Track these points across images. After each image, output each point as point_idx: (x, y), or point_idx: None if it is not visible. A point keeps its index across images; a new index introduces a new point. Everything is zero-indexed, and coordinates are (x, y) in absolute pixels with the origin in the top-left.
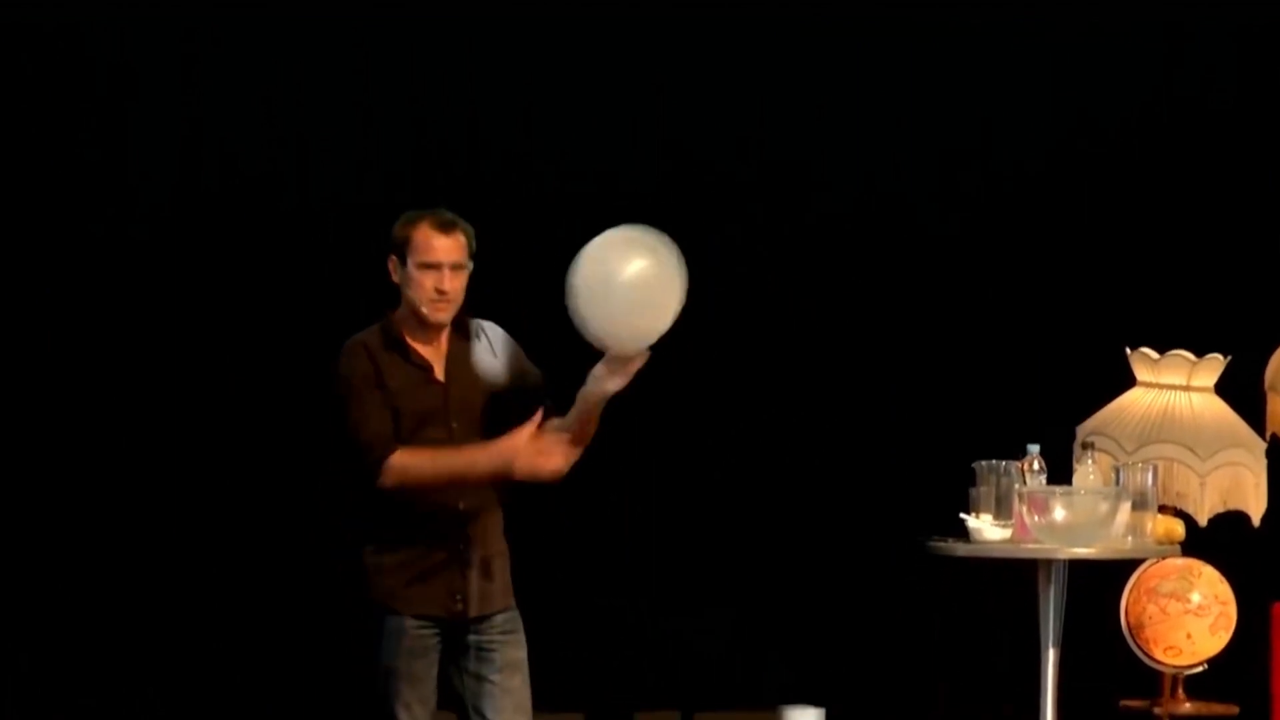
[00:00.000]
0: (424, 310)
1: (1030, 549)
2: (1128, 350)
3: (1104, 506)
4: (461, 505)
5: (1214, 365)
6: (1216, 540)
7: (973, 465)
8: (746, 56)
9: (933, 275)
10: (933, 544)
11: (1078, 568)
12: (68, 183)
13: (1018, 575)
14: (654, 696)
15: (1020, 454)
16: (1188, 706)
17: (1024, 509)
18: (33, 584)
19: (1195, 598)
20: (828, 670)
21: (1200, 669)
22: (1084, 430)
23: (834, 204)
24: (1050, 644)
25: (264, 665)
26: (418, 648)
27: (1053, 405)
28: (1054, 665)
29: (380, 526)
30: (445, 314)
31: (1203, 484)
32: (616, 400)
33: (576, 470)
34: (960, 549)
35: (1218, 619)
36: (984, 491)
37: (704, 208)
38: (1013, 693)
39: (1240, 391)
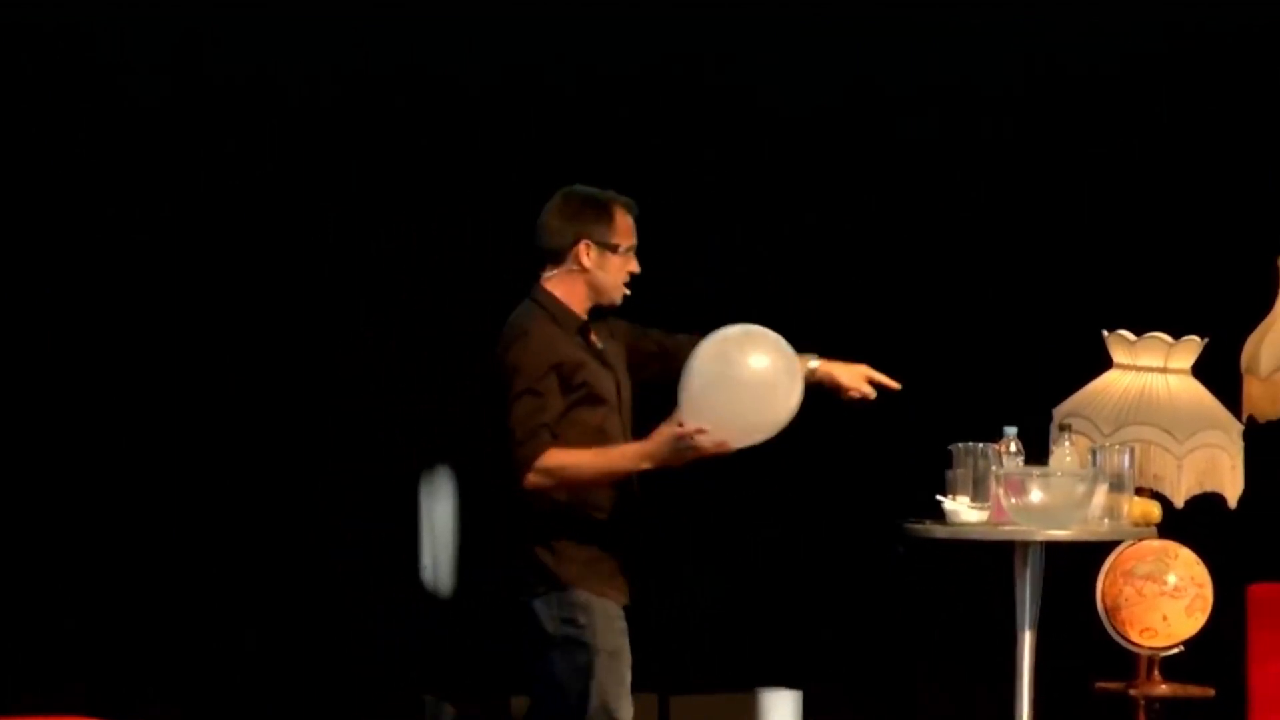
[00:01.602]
0: (615, 295)
1: (1007, 531)
2: (1104, 332)
3: (1080, 488)
4: (637, 492)
5: (1191, 347)
6: (1193, 522)
7: (949, 448)
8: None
9: (910, 258)
10: (910, 526)
11: (1054, 550)
12: (67, 183)
13: (994, 557)
14: (631, 680)
15: (997, 436)
16: (1163, 688)
17: (1001, 491)
18: (39, 584)
19: (1171, 579)
20: (805, 652)
21: (1176, 651)
22: (1061, 412)
23: (811, 184)
24: (1026, 626)
25: (268, 662)
26: (625, 629)
27: (1029, 387)
28: (1030, 647)
29: (576, 513)
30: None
31: (1179, 466)
32: None
33: None
34: (937, 531)
35: (1194, 601)
36: (961, 474)
37: (663, 177)
38: (989, 674)
39: (1217, 373)
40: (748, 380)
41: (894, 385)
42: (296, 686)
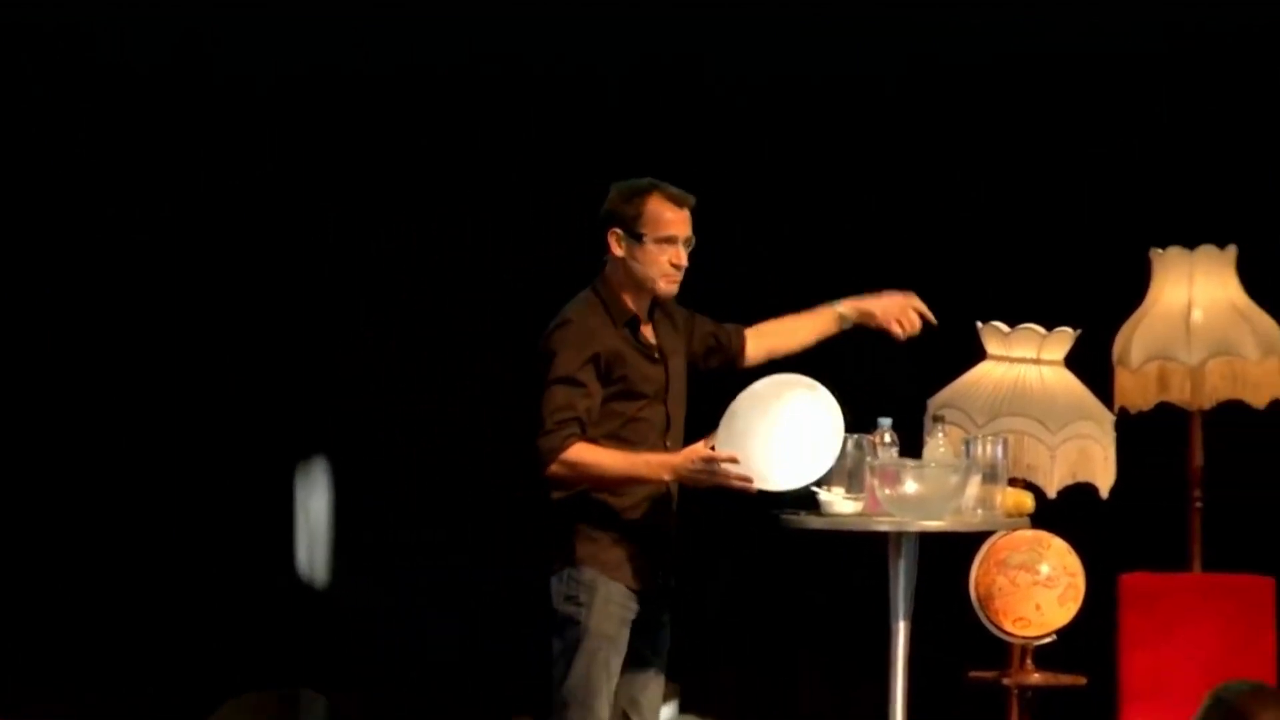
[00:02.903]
0: (659, 285)
1: (881, 522)
2: (978, 324)
3: (954, 479)
4: (669, 478)
5: (1064, 339)
6: (1066, 512)
7: None
8: None
9: (782, 247)
10: (786, 517)
11: (928, 540)
12: (66, 183)
13: (869, 548)
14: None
15: (872, 427)
16: (1036, 677)
17: (875, 482)
18: (42, 583)
19: (1044, 569)
20: (682, 644)
21: (1049, 640)
22: (935, 403)
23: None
24: (900, 616)
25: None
26: (626, 616)
27: (904, 379)
28: (904, 637)
29: (606, 497)
30: (676, 288)
31: (1052, 457)
32: None
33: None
34: (813, 522)
35: (1066, 590)
36: (836, 465)
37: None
38: (865, 664)
39: (1089, 365)
40: (797, 439)
41: (931, 319)
42: (165, 679)
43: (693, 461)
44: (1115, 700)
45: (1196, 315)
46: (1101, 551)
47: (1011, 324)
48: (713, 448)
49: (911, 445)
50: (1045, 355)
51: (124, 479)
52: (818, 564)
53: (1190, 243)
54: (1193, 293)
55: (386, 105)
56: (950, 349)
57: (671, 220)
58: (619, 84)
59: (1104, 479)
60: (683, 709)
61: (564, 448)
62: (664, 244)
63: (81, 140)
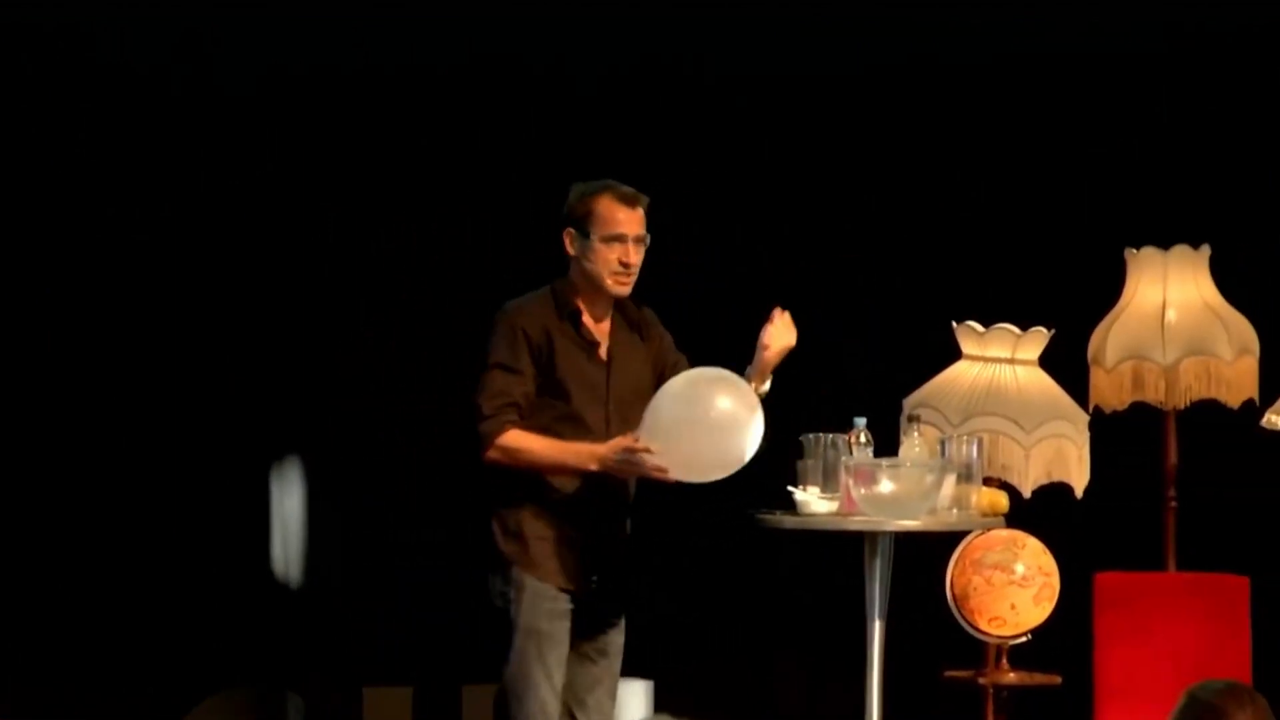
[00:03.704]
0: (608, 283)
1: (857, 521)
2: (954, 323)
3: (929, 479)
4: (610, 482)
5: (1038, 338)
6: (1040, 512)
7: (800, 438)
8: None
9: (757, 246)
10: (761, 516)
11: (904, 540)
12: (66, 182)
13: (845, 547)
14: (479, 673)
15: (847, 427)
16: (1011, 676)
17: (850, 481)
18: (23, 581)
19: (1019, 569)
20: (656, 642)
21: (1024, 639)
22: (910, 403)
23: (670, 177)
24: (876, 615)
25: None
26: (558, 610)
27: (879, 378)
28: (880, 636)
29: (537, 494)
30: (627, 287)
31: (1027, 456)
32: None
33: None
34: (788, 521)
35: (1041, 590)
36: (811, 464)
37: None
38: (840, 663)
39: (1064, 365)
40: (706, 423)
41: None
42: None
43: (615, 450)
44: (1090, 699)
45: (1171, 315)
46: (1076, 551)
47: (986, 324)
48: (635, 439)
49: (887, 445)
50: (1020, 355)
51: (115, 478)
52: (794, 563)
53: (1164, 243)
54: (1167, 293)
55: (386, 105)
56: (925, 348)
57: (620, 219)
58: (620, 83)
59: (1079, 478)
60: (657, 708)
61: (500, 432)
62: (612, 242)
63: (80, 140)
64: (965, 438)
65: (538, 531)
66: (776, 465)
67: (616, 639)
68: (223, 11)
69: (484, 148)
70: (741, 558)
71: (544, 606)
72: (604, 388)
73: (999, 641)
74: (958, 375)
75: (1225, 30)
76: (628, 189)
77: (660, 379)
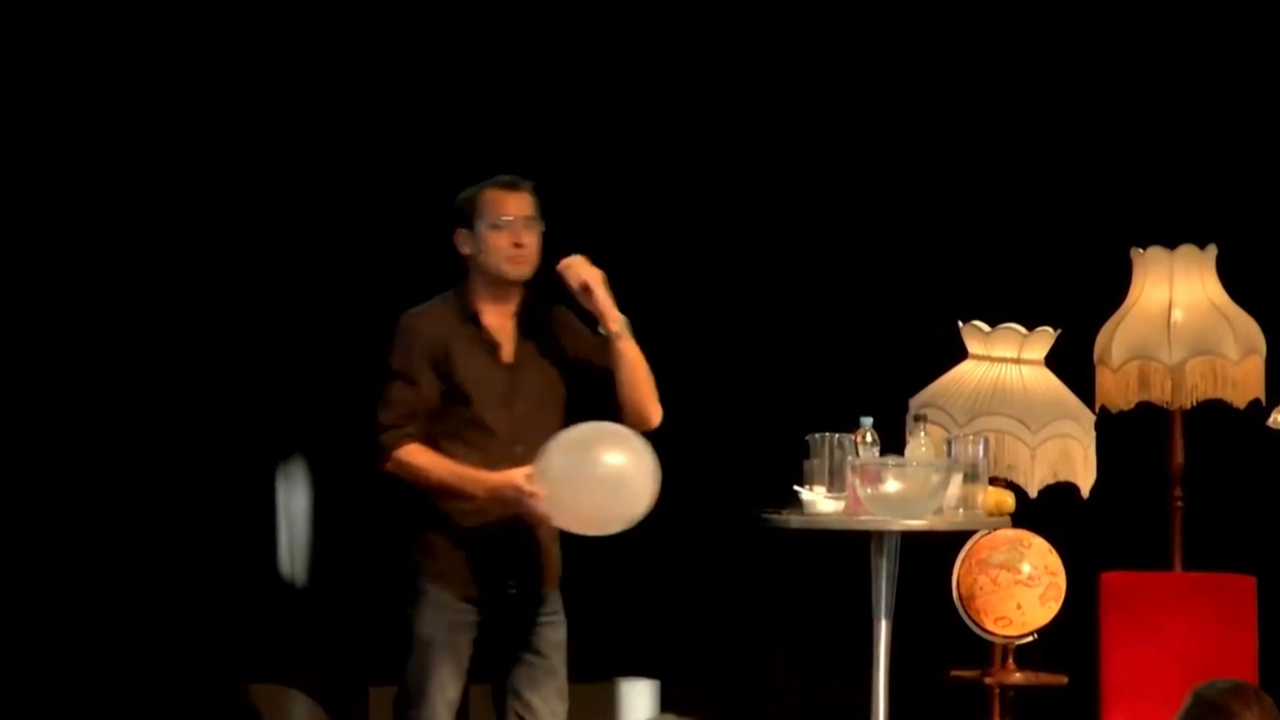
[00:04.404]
0: (504, 267)
1: (863, 521)
2: (960, 323)
3: (935, 478)
4: (483, 495)
5: (1044, 338)
6: (1046, 512)
7: (806, 437)
8: None
9: (763, 247)
10: (767, 516)
11: (910, 539)
12: (63, 182)
13: (851, 547)
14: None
15: (853, 426)
16: (1017, 676)
17: (856, 481)
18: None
19: (1025, 568)
20: (663, 642)
21: (1030, 639)
22: (916, 403)
23: (665, 167)
24: (882, 615)
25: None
26: (461, 622)
27: (885, 378)
28: (886, 636)
29: (446, 504)
30: (525, 269)
31: (1033, 456)
32: None
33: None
34: (794, 521)
35: (1047, 589)
36: (817, 464)
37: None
38: (845, 663)
39: (1070, 364)
40: (595, 480)
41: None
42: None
43: (506, 486)
44: (1096, 699)
45: (1177, 315)
46: (1082, 550)
47: (992, 324)
48: (528, 477)
49: (893, 444)
50: (1026, 355)
51: (120, 478)
52: (799, 563)
53: (1170, 242)
54: (1173, 292)
55: (386, 104)
56: (932, 348)
57: (506, 203)
58: (622, 82)
59: (1085, 478)
60: (662, 708)
61: (397, 446)
62: (501, 228)
63: (78, 140)
64: (971, 437)
65: (448, 541)
66: (782, 464)
67: (551, 635)
68: (223, 10)
69: (482, 147)
70: (747, 557)
71: (444, 618)
72: (508, 390)
73: (1005, 641)
74: (964, 375)
75: (1232, 27)
76: (508, 177)
77: (585, 370)
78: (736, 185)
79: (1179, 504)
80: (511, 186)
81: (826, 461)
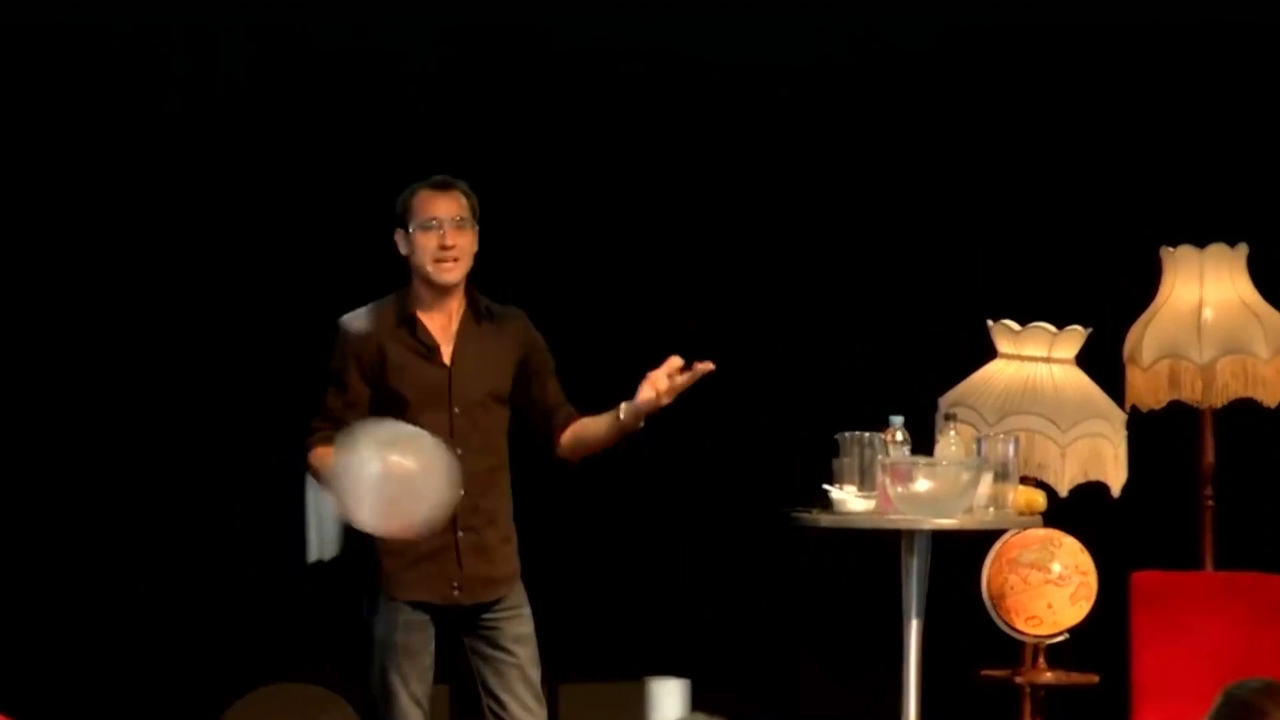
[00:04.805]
0: (429, 270)
1: (893, 520)
2: (989, 322)
3: (966, 477)
4: (462, 491)
5: (1074, 337)
6: (1077, 511)
7: (836, 436)
8: None
9: (792, 247)
10: (797, 515)
11: (940, 538)
12: (62, 182)
13: (881, 546)
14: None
15: (883, 425)
16: (1048, 676)
17: (886, 480)
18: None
19: (1056, 568)
20: (693, 641)
21: (1061, 638)
22: (946, 401)
23: (692, 169)
24: (913, 614)
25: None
26: (414, 622)
27: (915, 377)
28: (916, 635)
29: None
30: (452, 273)
31: (1063, 455)
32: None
33: None
34: (824, 520)
35: (1078, 589)
36: (847, 463)
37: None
38: (875, 662)
39: (1100, 363)
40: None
41: (694, 369)
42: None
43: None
44: (1127, 699)
45: (1207, 314)
46: (1113, 550)
47: (1022, 322)
48: None
49: (923, 443)
50: (1056, 354)
51: (150, 476)
52: (829, 562)
53: (1201, 241)
54: (1203, 291)
55: (386, 104)
56: (962, 347)
57: (433, 204)
58: (622, 82)
59: (1115, 477)
60: (693, 707)
61: (310, 449)
62: (429, 228)
63: (79, 139)
64: (1001, 436)
65: (387, 547)
66: (812, 463)
67: (512, 630)
68: (223, 10)
69: (481, 146)
70: (777, 556)
71: (398, 619)
72: (446, 392)
73: (1035, 641)
74: (994, 374)
75: (1264, 24)
76: (440, 177)
77: (526, 382)
78: (736, 185)
79: (1210, 503)
80: (442, 187)
81: (856, 460)
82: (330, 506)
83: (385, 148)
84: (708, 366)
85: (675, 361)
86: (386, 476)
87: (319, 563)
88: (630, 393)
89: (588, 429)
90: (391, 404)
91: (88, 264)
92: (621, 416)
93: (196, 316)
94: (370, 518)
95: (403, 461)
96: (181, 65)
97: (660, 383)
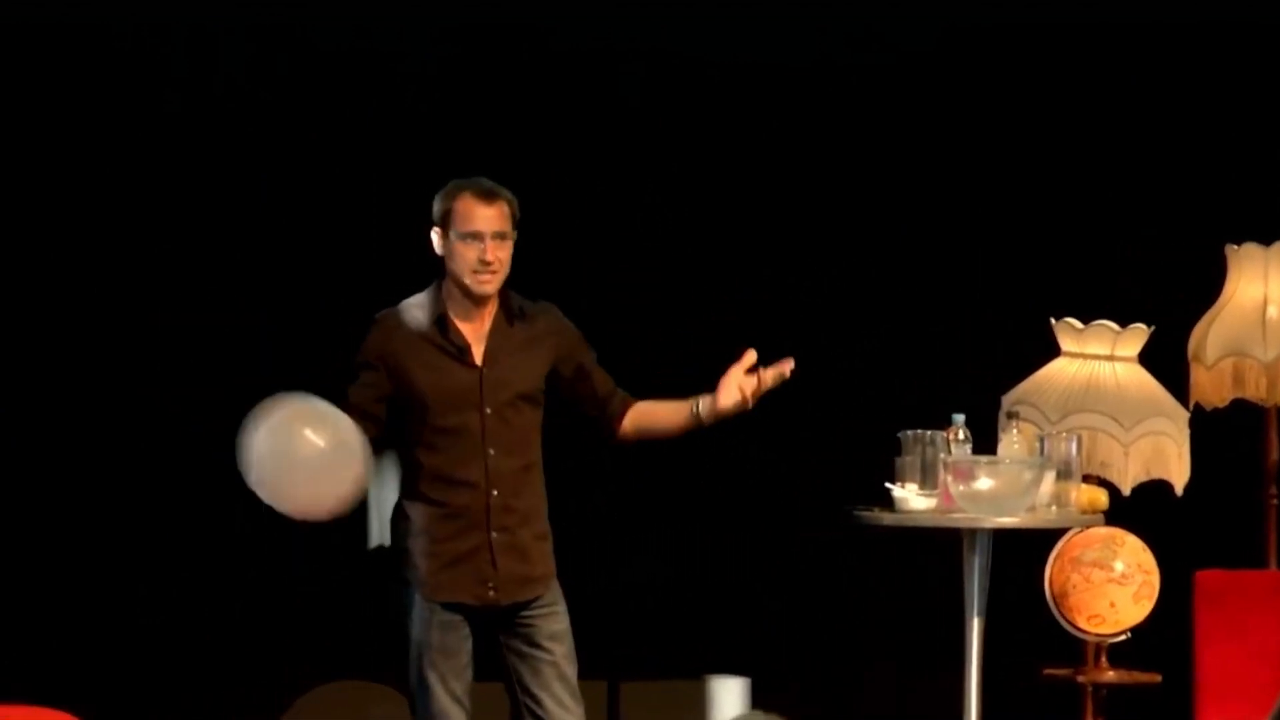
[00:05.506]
0: (467, 281)
1: (955, 518)
2: (1052, 320)
3: (1028, 476)
4: (495, 491)
5: (1138, 335)
6: (1140, 509)
7: (898, 435)
8: None
9: (856, 244)
10: (859, 513)
11: (1002, 537)
12: (62, 182)
13: (943, 544)
14: (581, 667)
15: (946, 423)
16: (1111, 675)
17: (949, 478)
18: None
19: (1119, 566)
20: (754, 640)
21: (1123, 637)
22: (1009, 400)
23: (753, 170)
24: (975, 613)
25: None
26: (450, 622)
27: (978, 375)
28: (978, 633)
29: (415, 509)
30: (490, 285)
31: (1126, 453)
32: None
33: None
34: (886, 518)
35: (1141, 588)
36: (909, 461)
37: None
38: (937, 661)
39: (1164, 361)
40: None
41: (778, 370)
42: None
43: None
44: (1191, 698)
45: (1272, 311)
46: (1176, 548)
47: (1086, 320)
48: None
49: (985, 441)
50: (1119, 352)
51: (139, 477)
52: (891, 560)
53: (1266, 238)
54: (1268, 289)
55: (386, 104)
56: (1024, 345)
57: (478, 216)
58: (622, 82)
59: (1178, 476)
60: (753, 704)
61: None
62: (470, 240)
63: (79, 139)
64: (1064, 435)
65: (423, 549)
66: (875, 462)
67: (547, 627)
68: (223, 10)
69: (479, 146)
70: (839, 555)
71: (435, 619)
72: (477, 393)
73: (1098, 639)
74: (1056, 372)
75: None
76: (488, 184)
77: (570, 377)
78: (736, 185)
79: (1274, 501)
80: (488, 198)
81: (919, 459)
82: (391, 495)
83: (385, 148)
84: (789, 365)
85: (750, 356)
86: (280, 454)
87: (379, 548)
88: (644, 392)
89: (657, 420)
90: (420, 405)
91: (88, 264)
92: (702, 416)
93: (197, 316)
94: (272, 494)
95: (306, 440)
96: (181, 65)
97: (747, 385)
